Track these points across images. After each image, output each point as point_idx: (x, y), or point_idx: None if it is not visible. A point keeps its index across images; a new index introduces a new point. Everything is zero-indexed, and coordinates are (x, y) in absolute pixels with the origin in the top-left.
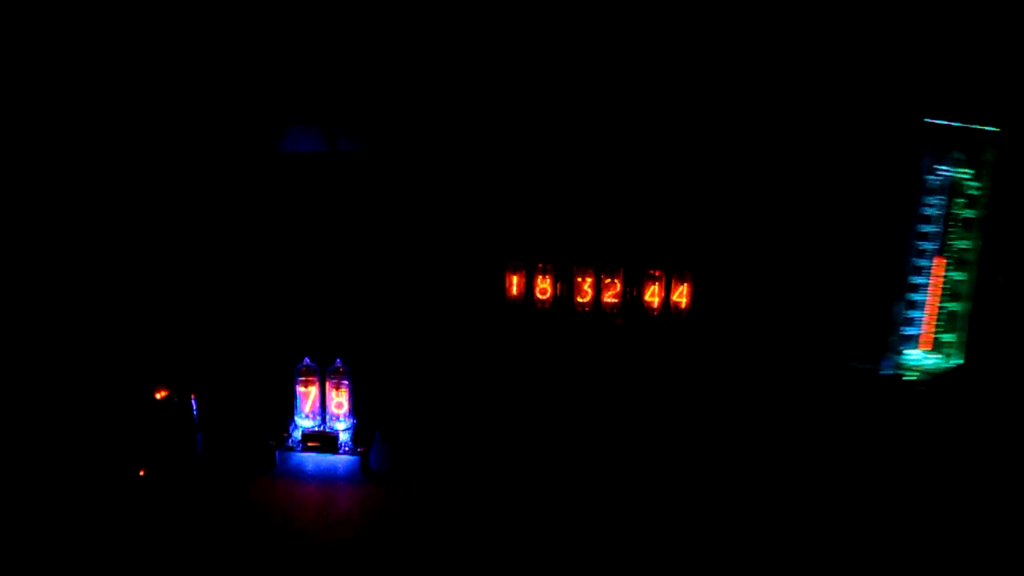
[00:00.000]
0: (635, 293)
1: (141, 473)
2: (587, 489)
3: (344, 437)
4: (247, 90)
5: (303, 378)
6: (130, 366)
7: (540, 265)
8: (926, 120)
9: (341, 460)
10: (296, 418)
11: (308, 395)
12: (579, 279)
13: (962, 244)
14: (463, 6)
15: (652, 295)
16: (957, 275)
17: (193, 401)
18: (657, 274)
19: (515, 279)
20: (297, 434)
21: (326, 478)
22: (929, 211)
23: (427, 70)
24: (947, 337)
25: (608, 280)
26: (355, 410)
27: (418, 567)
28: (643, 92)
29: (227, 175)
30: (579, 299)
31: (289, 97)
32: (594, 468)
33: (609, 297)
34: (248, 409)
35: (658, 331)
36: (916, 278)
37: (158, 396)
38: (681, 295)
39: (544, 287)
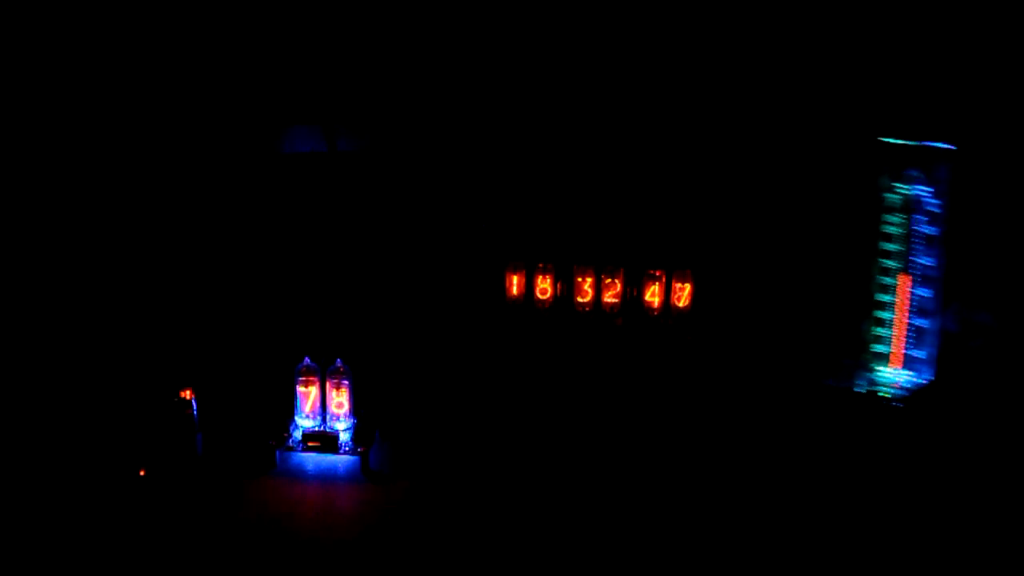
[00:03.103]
0: (635, 293)
1: (141, 473)
2: (586, 489)
3: (344, 437)
4: (248, 90)
5: (303, 378)
6: (130, 366)
7: (540, 265)
8: (881, 139)
9: (341, 460)
10: (296, 418)
11: (308, 395)
12: (579, 279)
13: (926, 261)
14: (463, 7)
15: (652, 295)
16: (923, 291)
17: (193, 401)
18: (657, 274)
19: (515, 279)
20: (297, 434)
21: (326, 478)
22: (891, 229)
23: (427, 70)
24: (917, 353)
25: (608, 280)
26: (355, 410)
27: (418, 567)
28: (644, 94)
29: (228, 175)
30: (579, 299)
31: (289, 97)
32: (593, 468)
33: (609, 297)
34: (248, 409)
35: (658, 331)
36: (883, 296)
37: (159, 396)
38: (681, 295)
39: (544, 287)
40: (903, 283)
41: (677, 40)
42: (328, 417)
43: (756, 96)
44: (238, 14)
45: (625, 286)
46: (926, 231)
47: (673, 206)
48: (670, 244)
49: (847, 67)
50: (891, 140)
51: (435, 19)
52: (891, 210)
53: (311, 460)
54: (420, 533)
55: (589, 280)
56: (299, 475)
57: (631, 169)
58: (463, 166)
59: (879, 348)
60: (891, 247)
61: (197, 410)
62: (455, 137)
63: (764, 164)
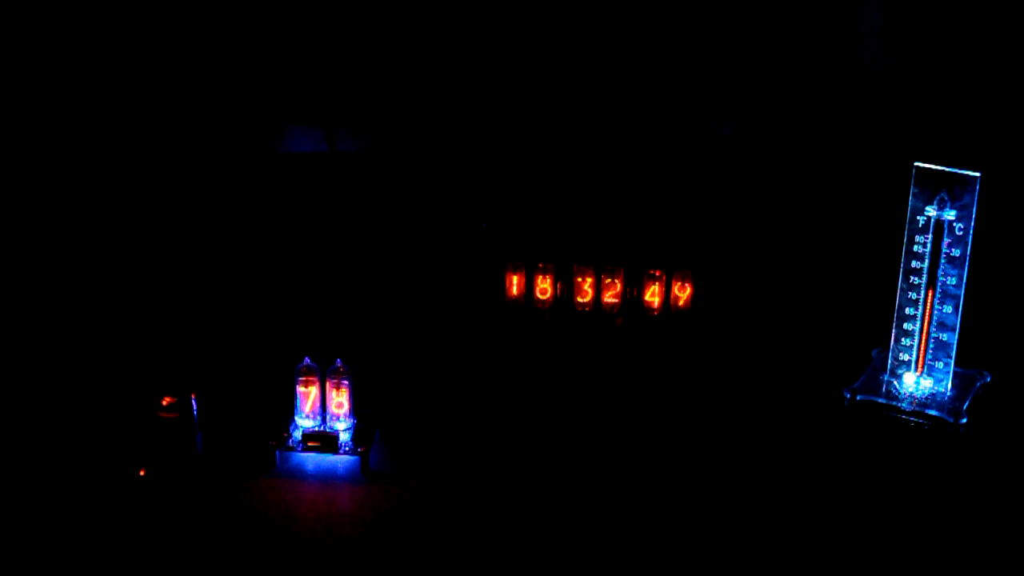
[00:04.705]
0: (635, 293)
1: (141, 473)
2: (586, 490)
3: (344, 437)
4: (248, 90)
5: (303, 378)
6: (130, 366)
7: (540, 265)
8: (916, 164)
9: (341, 460)
10: (296, 418)
11: (308, 395)
12: (579, 279)
13: (949, 280)
14: (463, 7)
15: (652, 295)
16: (945, 307)
17: (193, 401)
18: (657, 274)
19: (515, 279)
20: (297, 434)
21: (326, 478)
22: (917, 248)
23: (427, 71)
24: (938, 365)
25: (608, 280)
26: (355, 410)
27: (418, 567)
28: (643, 96)
29: (227, 175)
30: (579, 299)
31: (289, 97)
32: (593, 469)
33: (609, 297)
34: (248, 409)
35: (658, 331)
36: (909, 309)
37: (162, 402)
38: (681, 295)
39: (544, 287)
40: (928, 298)
41: (685, 45)
42: (328, 417)
43: (773, 107)
44: (238, 14)
45: (625, 286)
46: (951, 252)
47: (675, 207)
48: (670, 244)
49: (889, 93)
50: (925, 165)
51: (435, 19)
52: (919, 231)
53: (311, 460)
54: (420, 533)
55: (589, 280)
56: (299, 475)
57: (631, 169)
58: (463, 166)
59: (901, 357)
60: (917, 264)
61: (197, 410)
62: (455, 137)
63: (779, 171)
